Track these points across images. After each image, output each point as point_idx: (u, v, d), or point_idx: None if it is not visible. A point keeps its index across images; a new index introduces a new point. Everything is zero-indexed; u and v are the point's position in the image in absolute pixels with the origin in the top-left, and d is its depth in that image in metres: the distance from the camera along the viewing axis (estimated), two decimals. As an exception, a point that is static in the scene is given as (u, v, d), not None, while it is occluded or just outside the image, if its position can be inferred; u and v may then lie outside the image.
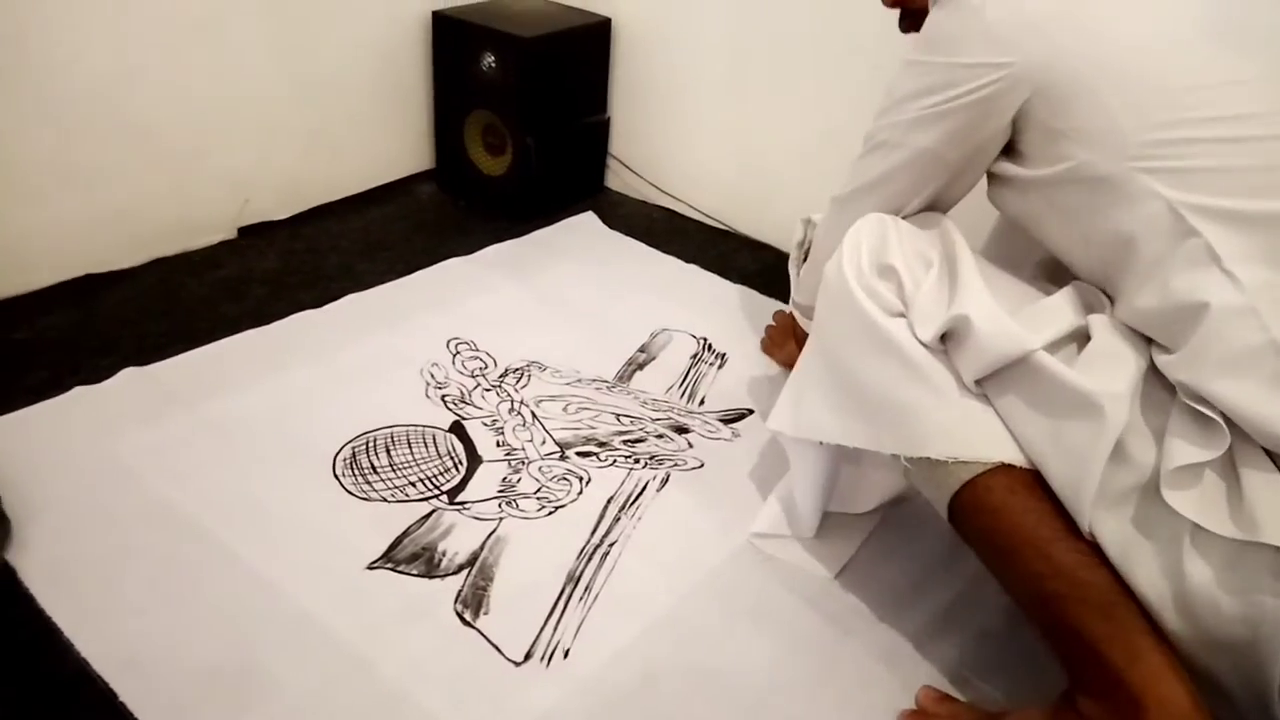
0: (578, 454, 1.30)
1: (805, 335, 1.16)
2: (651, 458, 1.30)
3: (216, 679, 0.94)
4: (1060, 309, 0.91)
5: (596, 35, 1.95)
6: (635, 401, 1.42)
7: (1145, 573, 0.80)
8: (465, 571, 1.09)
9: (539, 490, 1.23)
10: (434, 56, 1.92)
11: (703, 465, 1.30)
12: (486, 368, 1.46)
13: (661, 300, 1.69)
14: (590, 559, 1.13)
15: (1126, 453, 0.81)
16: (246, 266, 1.68)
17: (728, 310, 1.68)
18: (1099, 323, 0.88)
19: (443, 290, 1.66)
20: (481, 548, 1.13)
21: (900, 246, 0.97)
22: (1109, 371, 0.83)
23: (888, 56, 1.12)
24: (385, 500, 1.18)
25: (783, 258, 1.76)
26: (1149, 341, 0.87)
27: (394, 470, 1.23)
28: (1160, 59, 0.85)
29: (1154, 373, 0.85)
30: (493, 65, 1.82)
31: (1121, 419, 0.80)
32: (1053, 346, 0.87)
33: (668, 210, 2.04)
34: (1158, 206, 0.83)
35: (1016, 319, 0.87)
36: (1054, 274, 1.03)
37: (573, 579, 1.10)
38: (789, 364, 1.42)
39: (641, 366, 1.51)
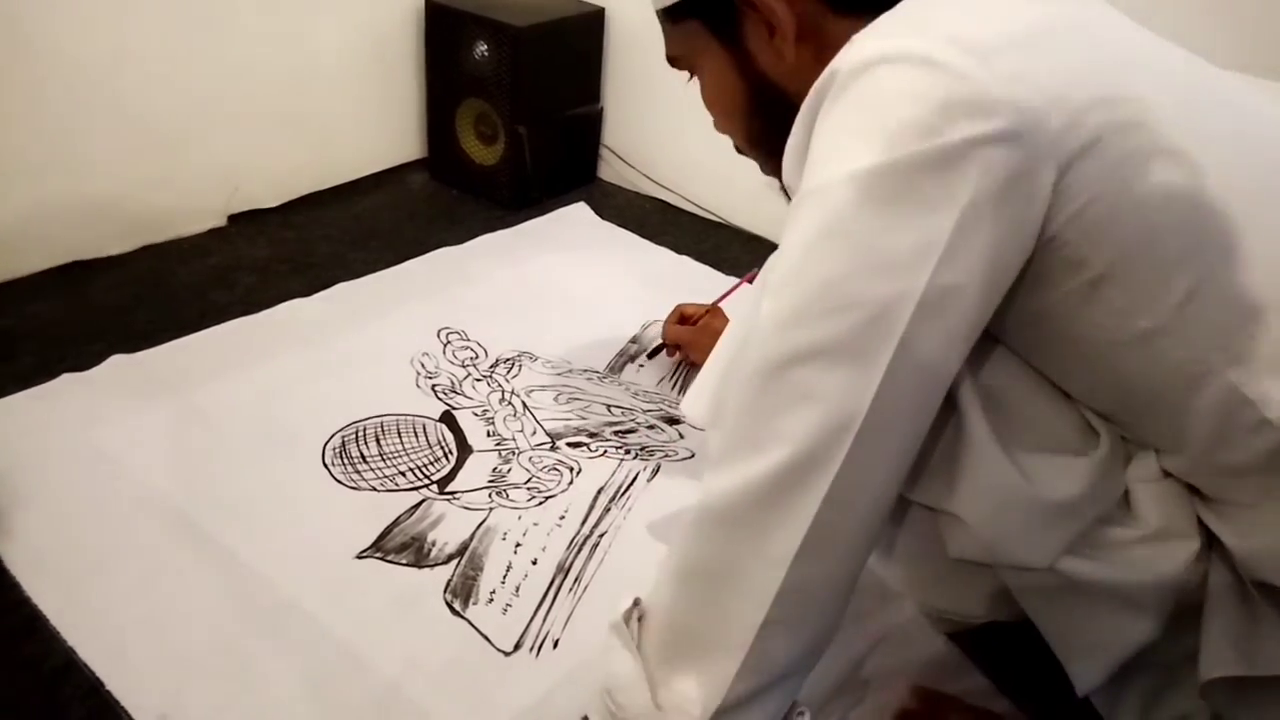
0: (568, 444, 1.30)
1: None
2: (642, 448, 1.30)
3: (204, 667, 0.94)
4: (1093, 471, 0.69)
5: (590, 25, 1.94)
6: (626, 392, 1.42)
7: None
8: (455, 561, 1.09)
9: (529, 480, 1.22)
10: (426, 45, 1.91)
11: (693, 456, 1.30)
12: (477, 357, 1.46)
13: (653, 291, 1.68)
14: (580, 550, 1.12)
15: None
16: (236, 254, 1.67)
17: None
18: (1145, 494, 0.70)
19: (434, 279, 1.65)
20: (471, 538, 1.12)
21: None
22: (1156, 562, 0.69)
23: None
24: (375, 490, 1.18)
25: (776, 249, 1.77)
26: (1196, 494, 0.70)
27: (384, 460, 1.23)
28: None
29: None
30: (485, 54, 1.81)
31: (1161, 625, 0.69)
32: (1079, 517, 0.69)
33: (660, 201, 2.04)
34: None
35: (1032, 476, 0.68)
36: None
37: (562, 569, 1.10)
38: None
39: (633, 358, 1.51)
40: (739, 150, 0.86)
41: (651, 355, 1.49)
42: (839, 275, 0.58)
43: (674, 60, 0.83)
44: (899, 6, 0.64)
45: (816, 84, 0.62)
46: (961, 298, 0.58)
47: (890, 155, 0.57)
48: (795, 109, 0.66)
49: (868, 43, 0.60)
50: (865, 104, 0.59)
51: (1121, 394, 0.67)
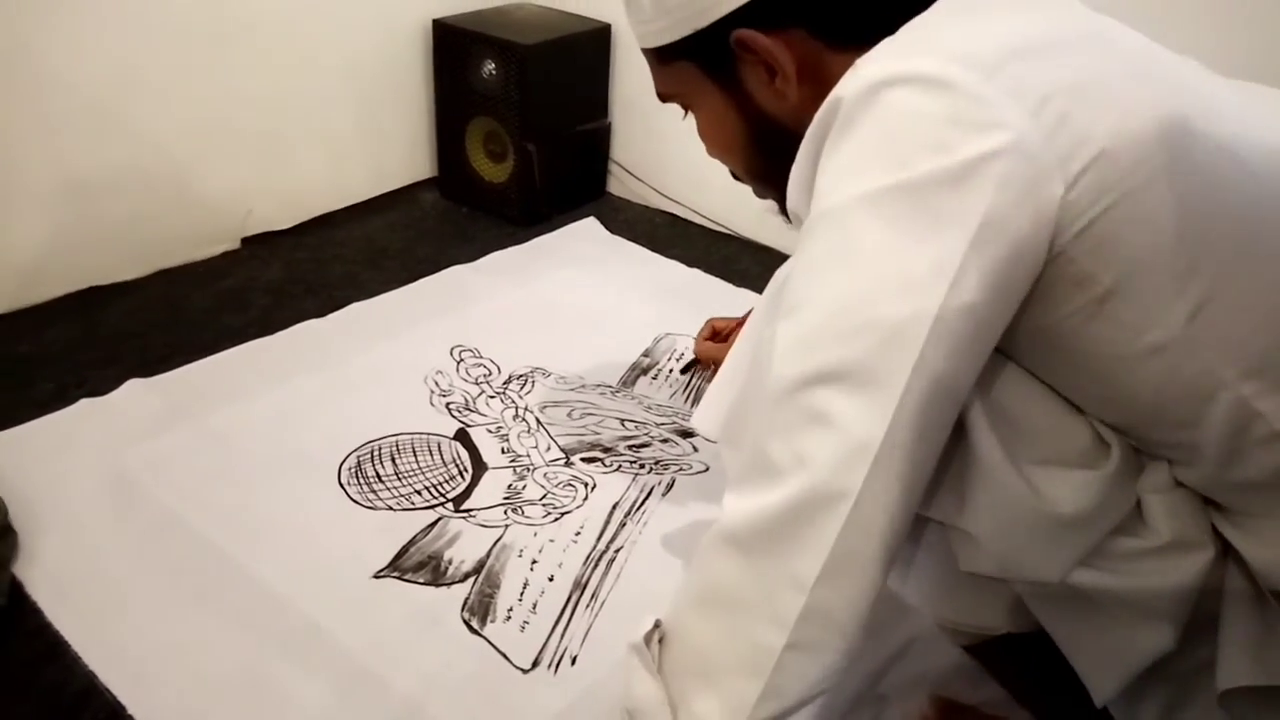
0: (583, 460, 1.30)
1: None
2: (656, 462, 1.30)
3: (225, 690, 0.94)
4: (1107, 479, 0.68)
5: (596, 41, 1.95)
6: (640, 406, 1.42)
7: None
8: (472, 579, 1.09)
9: (544, 497, 1.23)
10: (434, 64, 1.93)
11: (708, 469, 1.30)
12: (490, 374, 1.46)
13: (664, 305, 1.69)
14: (596, 565, 1.12)
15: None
16: (250, 276, 1.69)
17: (731, 314, 1.68)
18: (1158, 504, 0.68)
19: (446, 297, 1.66)
20: (488, 555, 1.13)
21: None
22: (1170, 572, 0.68)
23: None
24: (391, 509, 1.18)
25: (785, 260, 1.76)
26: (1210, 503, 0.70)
27: (399, 478, 1.23)
28: None
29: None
30: (493, 73, 1.82)
31: (1177, 634, 0.69)
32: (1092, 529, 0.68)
33: (670, 215, 2.05)
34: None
35: (1042, 491, 0.67)
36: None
37: (579, 585, 1.10)
38: None
39: (645, 371, 1.51)
40: (735, 177, 0.86)
41: (685, 370, 1.50)
42: (854, 297, 0.58)
43: (665, 97, 0.82)
44: (899, 32, 0.64)
45: (820, 112, 0.62)
46: (975, 316, 0.58)
47: (902, 175, 0.57)
48: (797, 140, 0.66)
49: (871, 67, 0.60)
50: (874, 126, 0.59)
51: (1132, 407, 0.66)
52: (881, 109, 0.59)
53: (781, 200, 0.77)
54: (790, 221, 0.77)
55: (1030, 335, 0.65)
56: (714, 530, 0.64)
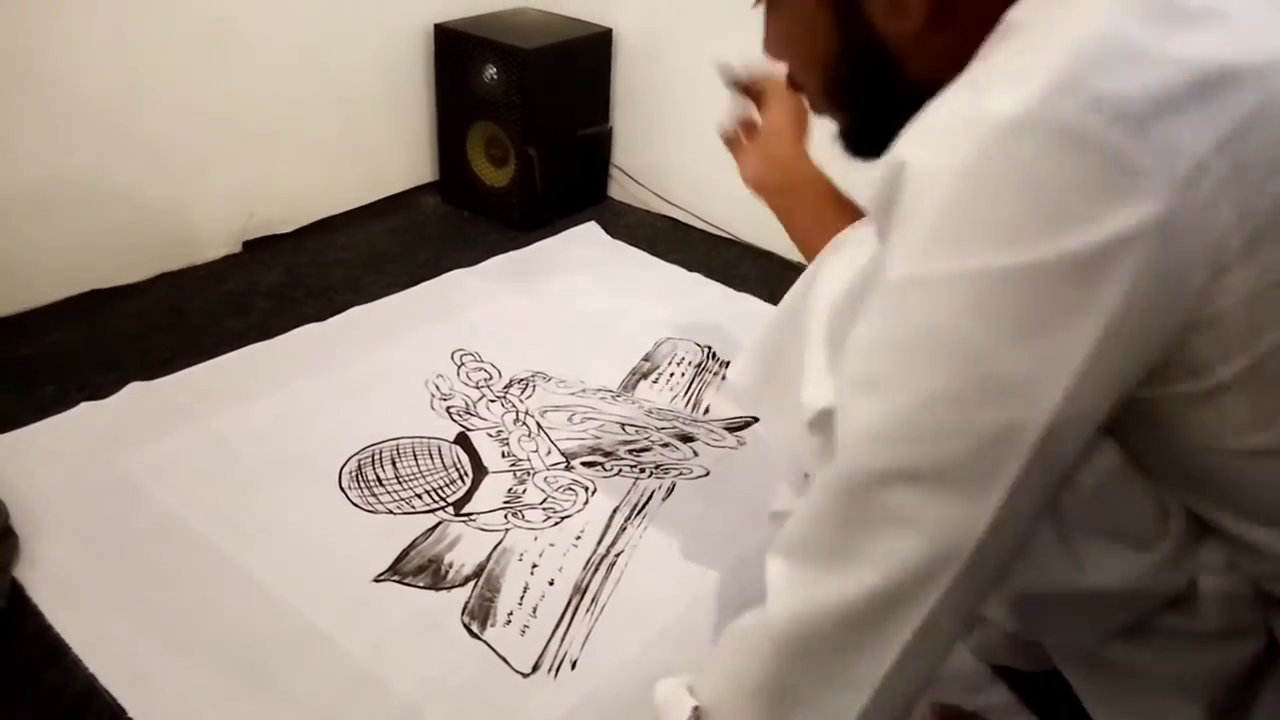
0: (583, 464, 1.30)
1: None
2: (657, 467, 1.30)
3: (225, 693, 0.94)
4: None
5: (598, 46, 1.95)
6: (640, 410, 1.42)
7: None
8: (472, 583, 1.09)
9: (545, 501, 1.23)
10: (436, 69, 1.93)
11: (708, 473, 1.30)
12: (491, 379, 1.46)
13: (665, 309, 1.69)
14: (597, 569, 1.12)
15: None
16: (251, 280, 1.69)
17: (731, 318, 1.68)
18: (1213, 588, 0.63)
19: (447, 302, 1.66)
20: (488, 559, 1.13)
21: None
22: (1214, 657, 0.64)
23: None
24: (391, 512, 1.18)
25: (787, 265, 1.77)
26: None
27: (400, 482, 1.23)
28: None
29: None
30: (494, 77, 1.83)
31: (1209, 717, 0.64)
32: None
33: (670, 219, 2.05)
34: None
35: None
36: None
37: (579, 589, 1.10)
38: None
39: (646, 375, 1.51)
40: (792, 85, 0.73)
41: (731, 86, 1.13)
42: (947, 394, 0.50)
43: None
44: (1028, 15, 0.53)
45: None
46: (1090, 423, 0.51)
47: (1013, 257, 0.48)
48: (896, 72, 0.58)
49: (997, 95, 0.49)
50: (987, 181, 0.49)
51: (1213, 491, 0.60)
52: (1000, 159, 0.48)
53: (847, 124, 0.70)
54: (852, 154, 0.69)
55: (1123, 405, 0.56)
56: (770, 619, 0.58)
